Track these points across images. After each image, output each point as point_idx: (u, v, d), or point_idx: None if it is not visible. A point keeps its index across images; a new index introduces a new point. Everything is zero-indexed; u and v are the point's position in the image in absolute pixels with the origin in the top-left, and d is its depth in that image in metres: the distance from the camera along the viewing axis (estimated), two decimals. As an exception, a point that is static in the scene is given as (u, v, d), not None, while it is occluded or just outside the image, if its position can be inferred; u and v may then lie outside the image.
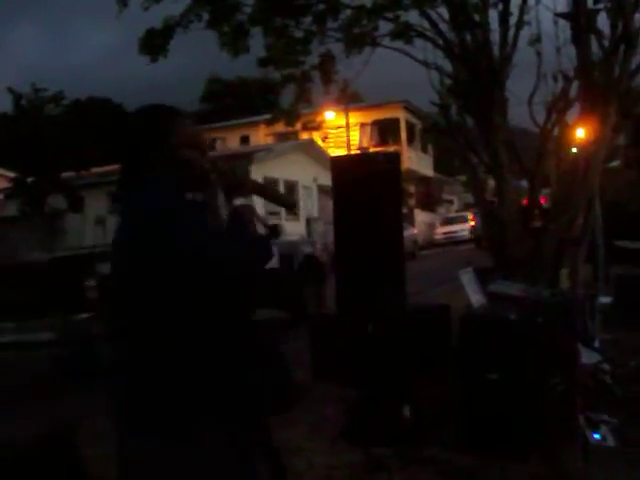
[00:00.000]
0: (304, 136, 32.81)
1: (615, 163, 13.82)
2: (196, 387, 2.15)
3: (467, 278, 5.82)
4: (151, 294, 2.14)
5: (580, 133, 8.48)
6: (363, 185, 5.74)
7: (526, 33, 8.41)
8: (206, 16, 8.61)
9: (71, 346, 8.14)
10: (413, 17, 8.60)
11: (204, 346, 2.18)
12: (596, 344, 6.71)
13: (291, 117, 10.34)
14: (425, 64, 8.42)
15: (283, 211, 30.48)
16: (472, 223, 33.86)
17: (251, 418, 2.34)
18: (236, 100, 51.62)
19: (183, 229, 2.12)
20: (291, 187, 31.86)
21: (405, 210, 30.02)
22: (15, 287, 8.45)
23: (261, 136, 40.09)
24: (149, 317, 2.16)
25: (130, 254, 2.16)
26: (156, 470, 2.13)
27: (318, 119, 27.03)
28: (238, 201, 2.36)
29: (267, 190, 2.56)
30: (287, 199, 2.73)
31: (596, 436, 5.07)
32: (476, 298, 5.75)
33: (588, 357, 5.99)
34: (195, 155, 2.38)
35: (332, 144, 35.21)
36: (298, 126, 12.30)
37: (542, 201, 8.71)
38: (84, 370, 8.02)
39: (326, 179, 25.30)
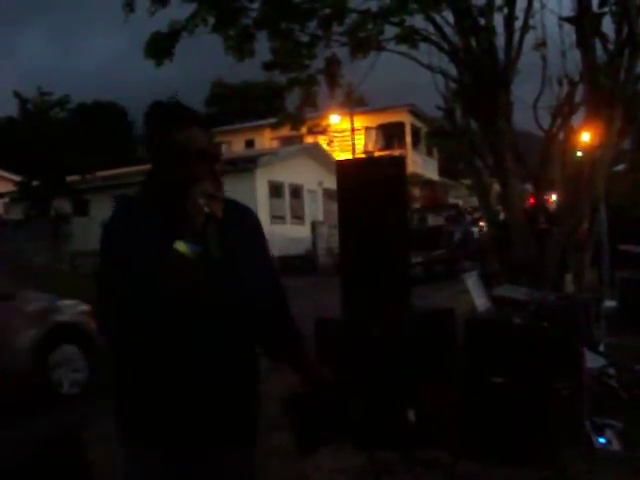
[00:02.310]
0: (309, 140, 32.82)
1: (620, 167, 13.81)
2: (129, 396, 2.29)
3: (472, 282, 5.82)
4: None
5: (585, 137, 8.48)
6: (368, 189, 5.74)
7: (531, 37, 8.43)
8: (212, 20, 8.62)
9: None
10: (418, 21, 8.62)
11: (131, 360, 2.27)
12: (601, 348, 6.70)
13: (297, 121, 10.35)
14: (430, 68, 8.43)
15: (288, 215, 30.59)
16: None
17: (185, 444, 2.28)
18: (241, 104, 51.68)
19: (102, 246, 2.29)
20: (296, 191, 31.87)
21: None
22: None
23: (266, 140, 40.08)
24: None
25: None
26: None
27: (323, 123, 27.01)
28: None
29: None
30: None
31: (601, 440, 5.06)
32: (481, 302, 5.75)
33: (593, 361, 5.98)
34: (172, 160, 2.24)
35: (337, 148, 35.17)
36: (304, 130, 12.29)
37: (549, 201, 8.73)
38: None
39: (331, 183, 25.20)
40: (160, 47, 8.62)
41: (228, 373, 2.26)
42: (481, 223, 31.11)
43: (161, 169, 2.25)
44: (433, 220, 28.28)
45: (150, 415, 2.23)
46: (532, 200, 8.42)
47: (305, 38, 9.11)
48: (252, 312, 2.28)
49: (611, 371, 6.16)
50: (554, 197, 9.32)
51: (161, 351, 2.18)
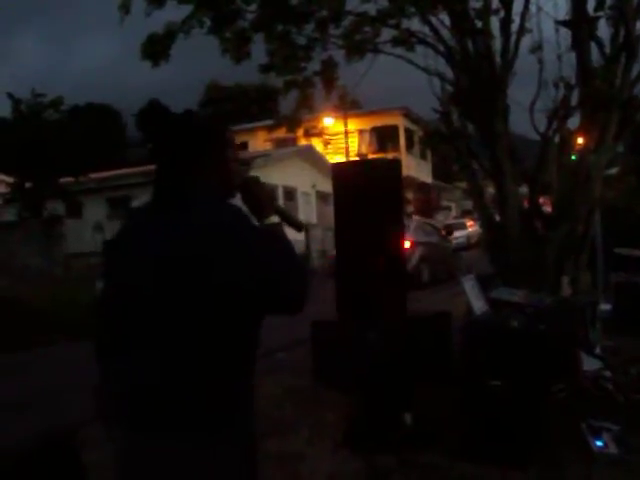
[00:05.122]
0: (303, 142, 32.83)
1: (614, 170, 13.85)
2: (231, 385, 2.15)
3: (469, 285, 5.82)
4: (210, 307, 2.07)
5: (581, 141, 8.49)
6: (364, 192, 5.75)
7: (527, 40, 8.43)
8: (208, 22, 8.60)
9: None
10: (415, 24, 8.62)
11: (244, 347, 2.22)
12: (597, 351, 6.71)
13: (293, 123, 10.34)
14: (426, 71, 8.43)
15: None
16: (470, 229, 33.66)
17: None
18: (235, 106, 51.67)
19: (263, 247, 2.13)
20: (290, 193, 31.87)
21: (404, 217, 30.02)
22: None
23: (260, 142, 40.07)
24: (195, 326, 2.07)
25: (201, 270, 2.04)
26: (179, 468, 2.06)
27: (318, 125, 27.05)
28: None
29: (281, 210, 2.49)
30: (298, 220, 2.63)
31: (598, 443, 5.06)
32: (478, 305, 5.75)
33: (589, 364, 6.00)
34: (238, 168, 2.39)
35: (331, 150, 35.21)
36: (299, 132, 12.31)
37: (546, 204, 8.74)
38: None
39: (325, 185, 25.16)
40: (156, 48, 8.60)
41: None
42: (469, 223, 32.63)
43: (225, 167, 2.35)
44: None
45: None
46: (527, 203, 8.42)
47: (302, 41, 9.11)
48: None
49: (607, 374, 6.17)
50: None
51: None
